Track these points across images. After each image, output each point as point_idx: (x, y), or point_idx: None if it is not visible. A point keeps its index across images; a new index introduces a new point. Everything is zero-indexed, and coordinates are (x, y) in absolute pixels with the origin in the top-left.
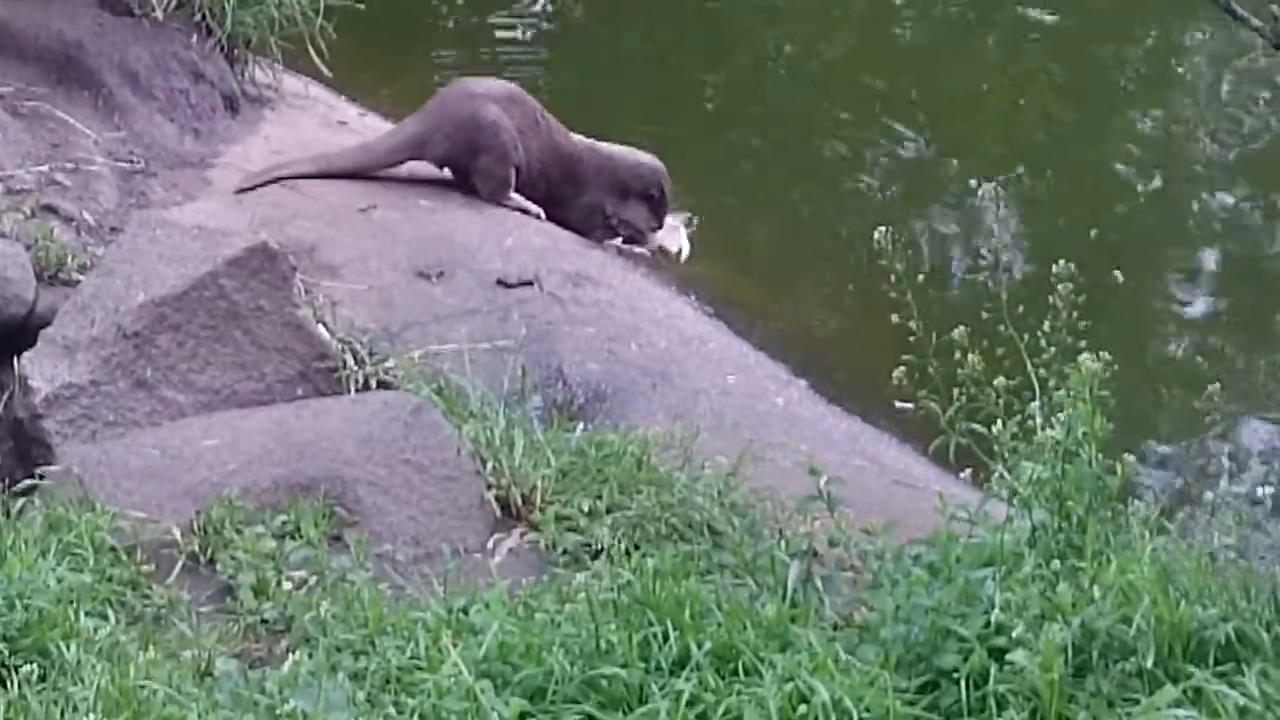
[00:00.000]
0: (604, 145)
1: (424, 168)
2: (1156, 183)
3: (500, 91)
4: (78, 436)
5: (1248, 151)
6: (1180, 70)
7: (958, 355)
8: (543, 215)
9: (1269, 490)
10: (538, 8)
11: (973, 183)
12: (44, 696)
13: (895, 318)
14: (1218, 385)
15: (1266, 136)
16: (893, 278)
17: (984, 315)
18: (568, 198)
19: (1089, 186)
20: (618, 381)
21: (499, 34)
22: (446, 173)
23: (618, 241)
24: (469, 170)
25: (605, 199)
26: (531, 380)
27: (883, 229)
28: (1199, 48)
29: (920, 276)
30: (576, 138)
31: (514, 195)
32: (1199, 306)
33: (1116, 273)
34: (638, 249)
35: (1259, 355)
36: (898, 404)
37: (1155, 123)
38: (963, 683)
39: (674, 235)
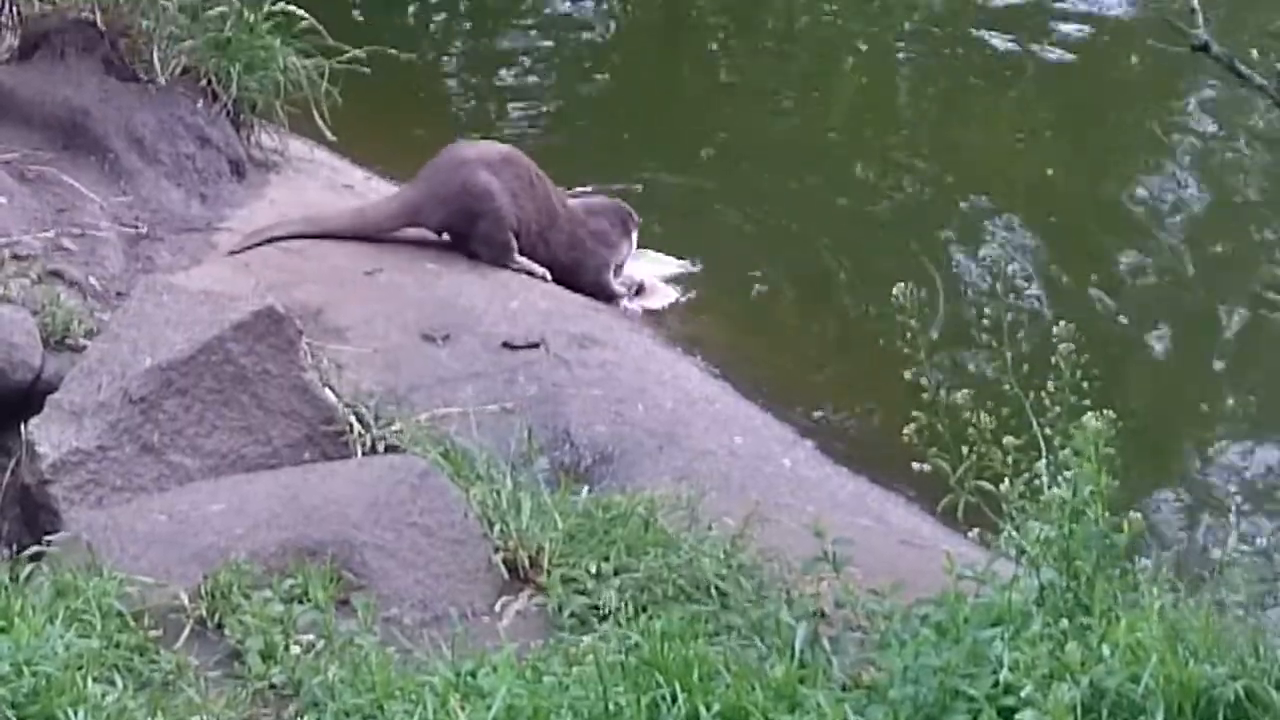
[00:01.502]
0: (576, 206)
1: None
2: (1160, 237)
3: (492, 154)
4: (85, 502)
5: (1252, 203)
6: (1188, 123)
7: (967, 414)
8: (549, 276)
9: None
10: (541, 67)
11: (985, 232)
12: None
13: (908, 374)
14: (1223, 443)
15: (1267, 186)
16: (908, 335)
17: (988, 374)
18: (577, 260)
19: (1094, 241)
20: (624, 443)
21: (502, 90)
22: (445, 237)
23: (625, 301)
24: (469, 236)
25: (602, 253)
26: (538, 442)
27: (902, 285)
28: (1208, 102)
29: (935, 334)
30: (571, 203)
31: (519, 258)
32: (1207, 359)
33: (1121, 318)
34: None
35: (1269, 410)
36: (914, 465)
37: (1161, 177)
38: None
39: (658, 293)
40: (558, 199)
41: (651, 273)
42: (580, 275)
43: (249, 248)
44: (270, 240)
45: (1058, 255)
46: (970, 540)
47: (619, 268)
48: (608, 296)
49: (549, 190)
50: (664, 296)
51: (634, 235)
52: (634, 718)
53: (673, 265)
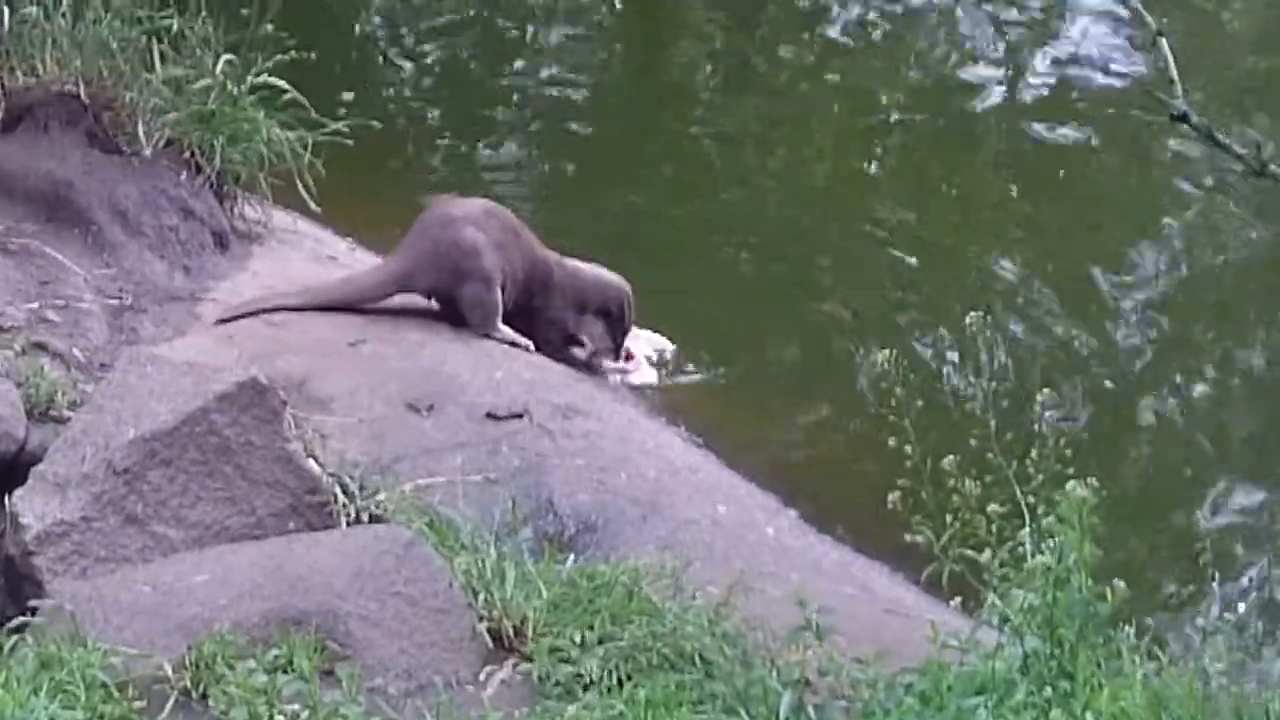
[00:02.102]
0: (570, 260)
1: (413, 297)
2: (1145, 302)
3: (477, 210)
4: (69, 573)
5: (1235, 269)
6: (1171, 188)
7: (951, 482)
8: (532, 347)
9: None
10: (522, 137)
11: (963, 305)
12: None
13: (892, 441)
14: (1205, 510)
15: (1247, 252)
16: (892, 401)
17: (972, 442)
18: (536, 309)
19: (1077, 307)
20: (608, 512)
21: (486, 162)
22: (433, 303)
23: (584, 353)
24: (455, 299)
25: (568, 313)
26: (522, 512)
27: (887, 352)
28: (1187, 166)
29: (919, 401)
30: (547, 251)
31: (503, 327)
32: (1191, 425)
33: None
34: (606, 376)
35: (1252, 479)
36: (899, 534)
37: (1145, 244)
38: None
39: (642, 371)
40: (540, 250)
41: (640, 349)
42: (533, 324)
43: (238, 318)
44: (261, 312)
45: (1042, 323)
46: (954, 609)
47: (585, 338)
48: (552, 353)
49: (532, 241)
50: (647, 375)
51: (616, 314)
52: None
53: (663, 343)
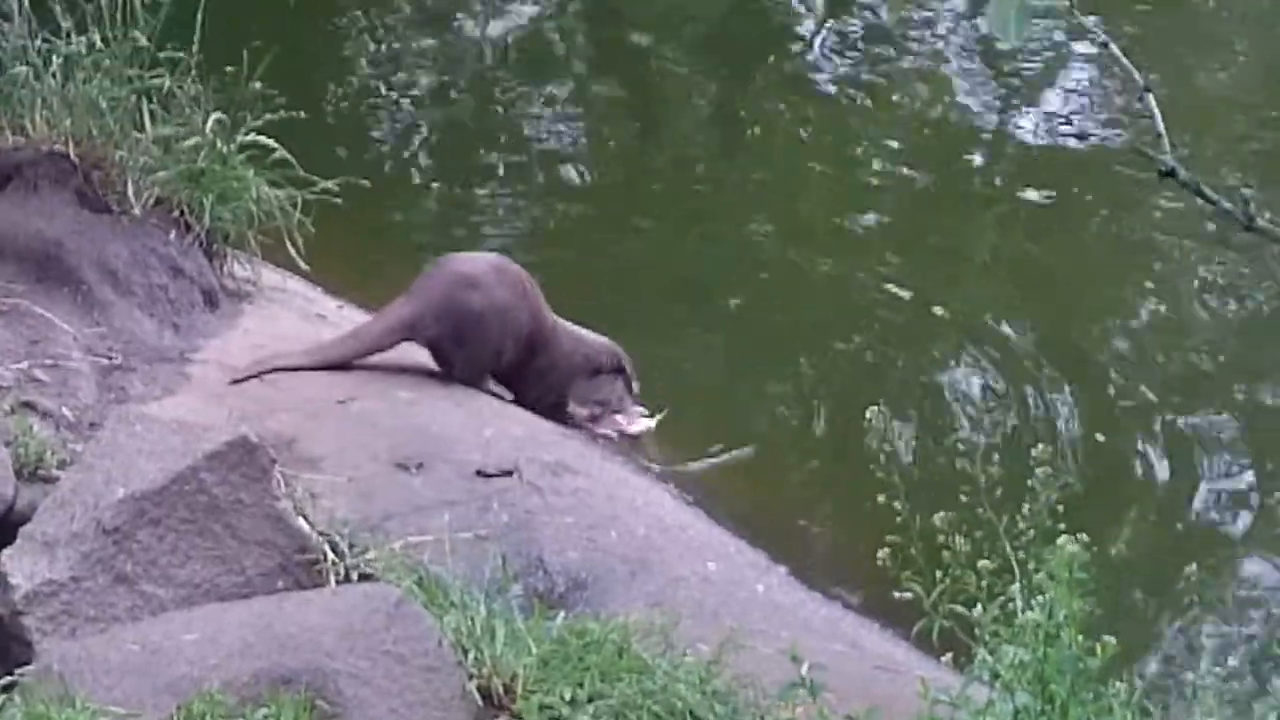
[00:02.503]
0: (564, 323)
1: (396, 355)
2: (1138, 354)
3: (489, 269)
4: (58, 633)
5: (1232, 319)
6: (1166, 240)
7: (941, 538)
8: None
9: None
10: (515, 193)
11: (958, 358)
12: None
13: (882, 498)
14: (1194, 566)
15: (1251, 304)
16: (881, 458)
17: (963, 498)
18: (539, 370)
19: (1069, 361)
20: (597, 569)
21: (475, 218)
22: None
23: (584, 413)
24: (450, 355)
25: (576, 375)
26: (511, 569)
27: (874, 408)
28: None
29: (909, 457)
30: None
31: (490, 385)
32: (1184, 479)
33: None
34: (600, 429)
35: (1244, 533)
36: (889, 591)
37: (1139, 297)
38: None
39: (636, 420)
40: (546, 311)
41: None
42: (530, 385)
43: (249, 378)
44: (270, 371)
45: (1034, 377)
46: (944, 665)
47: (597, 402)
48: (560, 417)
49: (540, 300)
50: (642, 424)
51: (625, 378)
52: None
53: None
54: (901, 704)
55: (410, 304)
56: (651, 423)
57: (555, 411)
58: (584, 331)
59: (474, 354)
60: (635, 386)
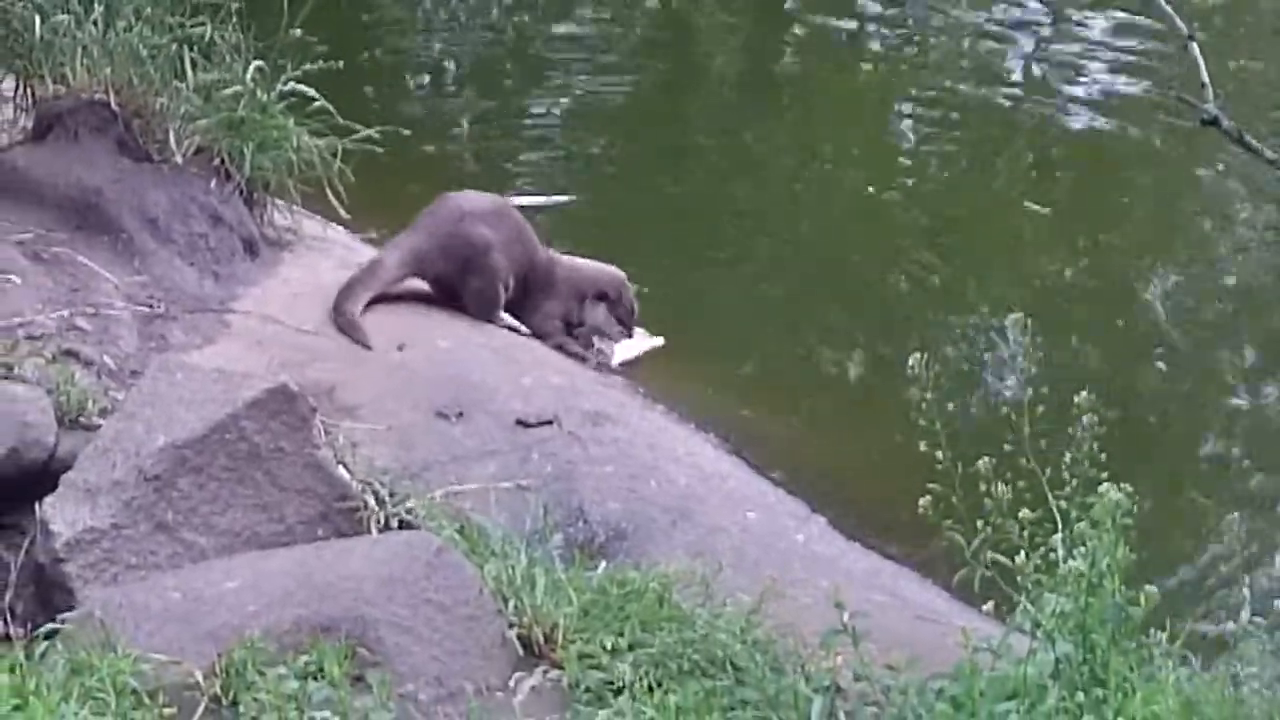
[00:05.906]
0: (565, 256)
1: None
2: (1183, 310)
3: (486, 206)
4: (99, 580)
5: (1276, 268)
6: (1208, 198)
7: (982, 486)
8: (529, 332)
9: None
10: (553, 143)
11: (1001, 304)
12: None
13: (924, 446)
14: (1236, 515)
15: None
16: (923, 405)
17: (1006, 446)
18: (536, 303)
19: (1112, 314)
20: (638, 519)
21: (515, 167)
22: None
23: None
24: (459, 289)
25: (570, 305)
26: (552, 519)
27: (917, 355)
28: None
29: (950, 405)
30: (545, 249)
31: (504, 315)
32: (1225, 432)
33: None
34: (587, 354)
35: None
36: (939, 542)
37: (1182, 248)
38: None
39: (627, 346)
40: (541, 249)
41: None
42: (531, 316)
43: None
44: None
45: (1076, 326)
46: (985, 614)
47: (591, 327)
48: (555, 343)
49: (535, 241)
50: (650, 342)
51: (614, 297)
52: None
53: (652, 342)
54: (943, 654)
55: (416, 238)
56: (644, 344)
57: (560, 340)
58: (582, 261)
59: (482, 287)
60: (634, 311)
